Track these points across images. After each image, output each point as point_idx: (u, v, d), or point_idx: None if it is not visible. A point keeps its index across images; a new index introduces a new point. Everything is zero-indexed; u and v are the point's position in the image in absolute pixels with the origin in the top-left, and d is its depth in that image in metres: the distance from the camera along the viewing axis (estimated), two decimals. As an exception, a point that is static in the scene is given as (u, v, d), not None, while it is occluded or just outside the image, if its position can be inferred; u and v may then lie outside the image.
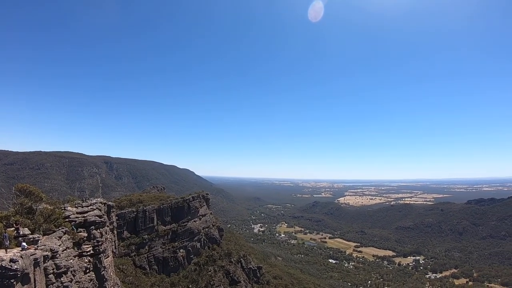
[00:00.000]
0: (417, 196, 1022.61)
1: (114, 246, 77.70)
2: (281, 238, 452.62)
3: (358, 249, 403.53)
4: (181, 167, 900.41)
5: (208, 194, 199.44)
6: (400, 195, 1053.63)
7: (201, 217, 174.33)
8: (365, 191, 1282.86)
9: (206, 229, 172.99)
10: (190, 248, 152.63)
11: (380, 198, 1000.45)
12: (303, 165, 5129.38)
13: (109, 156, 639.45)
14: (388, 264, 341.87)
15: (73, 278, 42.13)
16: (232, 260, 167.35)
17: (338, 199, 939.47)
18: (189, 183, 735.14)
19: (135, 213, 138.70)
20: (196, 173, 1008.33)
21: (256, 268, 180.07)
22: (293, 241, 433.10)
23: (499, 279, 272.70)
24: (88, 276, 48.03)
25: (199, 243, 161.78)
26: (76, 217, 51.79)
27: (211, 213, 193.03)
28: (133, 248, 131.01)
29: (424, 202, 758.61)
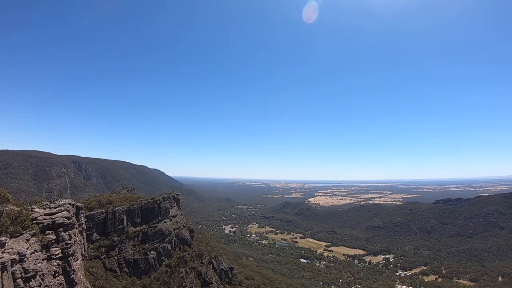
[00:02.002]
0: (386, 196, 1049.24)
1: (83, 249, 75.30)
2: (252, 238, 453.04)
3: (329, 248, 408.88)
4: (151, 168, 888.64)
5: (178, 194, 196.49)
6: (369, 195, 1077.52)
7: (171, 218, 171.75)
8: (335, 191, 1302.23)
9: (177, 230, 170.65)
10: (161, 250, 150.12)
11: (350, 198, 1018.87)
12: (273, 166, 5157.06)
13: (78, 156, 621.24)
14: (358, 263, 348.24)
15: (42, 282, 40.37)
16: (203, 261, 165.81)
17: (309, 200, 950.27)
18: (160, 184, 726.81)
19: (105, 215, 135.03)
20: (167, 173, 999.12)
21: (228, 268, 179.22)
22: (264, 242, 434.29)
23: (467, 275, 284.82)
24: (58, 280, 46.13)
25: (170, 245, 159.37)
26: (44, 219, 49.69)
27: (181, 214, 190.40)
28: (103, 250, 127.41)
29: (393, 202, 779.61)
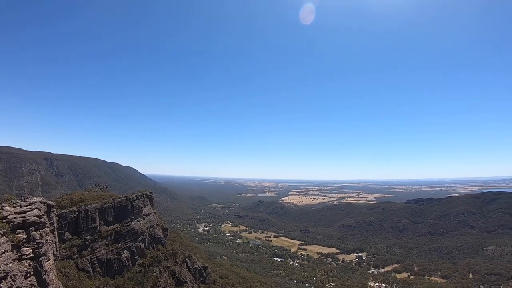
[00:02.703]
0: (359, 195, 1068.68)
1: (55, 248, 73.22)
2: (226, 237, 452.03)
3: (303, 247, 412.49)
4: (124, 165, 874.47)
5: (152, 193, 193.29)
6: (342, 195, 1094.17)
7: (145, 216, 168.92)
8: (309, 190, 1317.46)
9: (150, 229, 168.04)
10: (134, 249, 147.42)
11: (323, 197, 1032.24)
12: (247, 165, 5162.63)
13: (49, 152, 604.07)
14: (332, 261, 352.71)
15: (13, 283, 38.86)
16: (177, 260, 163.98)
17: (282, 199, 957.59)
18: (133, 182, 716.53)
19: (77, 213, 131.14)
20: (140, 171, 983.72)
21: (202, 268, 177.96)
22: (238, 240, 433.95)
23: (438, 273, 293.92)
24: (29, 281, 44.55)
25: (143, 244, 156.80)
26: (15, 218, 47.95)
27: (155, 212, 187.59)
28: (75, 250, 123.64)
29: (366, 202, 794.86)
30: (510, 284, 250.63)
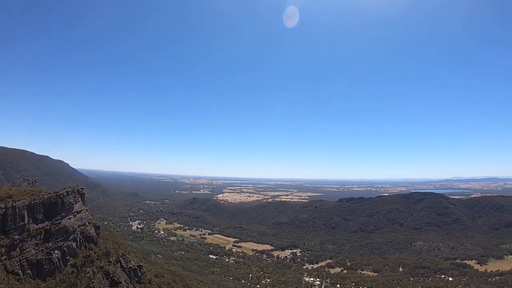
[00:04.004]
0: (293, 194, 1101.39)
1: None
2: (161, 235, 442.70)
3: (238, 244, 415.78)
4: (55, 158, 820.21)
5: (83, 188, 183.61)
6: (277, 193, 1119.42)
7: (76, 214, 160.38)
8: (243, 188, 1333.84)
9: (82, 227, 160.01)
10: (65, 249, 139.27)
11: (257, 195, 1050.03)
12: (182, 161, 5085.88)
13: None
14: (267, 258, 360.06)
15: None
16: (111, 260, 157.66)
17: (217, 196, 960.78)
18: (63, 176, 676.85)
19: (4, 210, 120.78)
20: (71, 165, 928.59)
21: (136, 267, 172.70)
22: (172, 238, 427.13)
23: (370, 267, 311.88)
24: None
25: (75, 243, 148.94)
26: None
27: (87, 209, 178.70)
28: (3, 251, 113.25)
29: (300, 200, 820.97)
30: (437, 276, 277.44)
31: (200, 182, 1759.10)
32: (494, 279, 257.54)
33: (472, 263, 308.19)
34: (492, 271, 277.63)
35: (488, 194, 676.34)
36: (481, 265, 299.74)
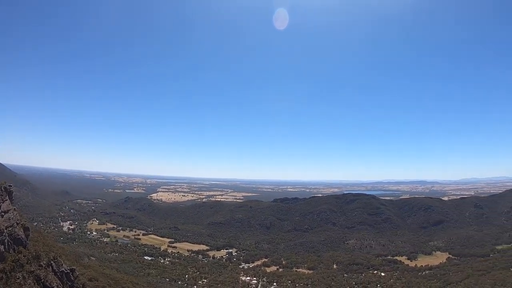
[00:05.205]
0: (228, 194, 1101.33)
1: None
2: (93, 236, 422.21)
3: (173, 244, 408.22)
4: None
5: (11, 186, 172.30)
6: (211, 193, 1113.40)
7: (3, 214, 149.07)
8: (178, 188, 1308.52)
9: (10, 229, 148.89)
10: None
11: (192, 195, 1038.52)
12: (115, 159, 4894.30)
13: None
14: (203, 258, 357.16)
15: None
16: (41, 263, 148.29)
17: (151, 195, 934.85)
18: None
19: None
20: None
21: (69, 270, 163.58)
22: (106, 239, 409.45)
23: (305, 265, 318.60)
24: None
25: (3, 246, 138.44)
26: None
27: (15, 209, 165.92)
28: None
29: (235, 200, 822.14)
30: (370, 271, 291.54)
31: (134, 181, 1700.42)
32: (423, 273, 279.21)
33: (402, 259, 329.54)
34: (421, 266, 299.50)
35: (417, 196, 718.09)
36: (411, 261, 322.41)
